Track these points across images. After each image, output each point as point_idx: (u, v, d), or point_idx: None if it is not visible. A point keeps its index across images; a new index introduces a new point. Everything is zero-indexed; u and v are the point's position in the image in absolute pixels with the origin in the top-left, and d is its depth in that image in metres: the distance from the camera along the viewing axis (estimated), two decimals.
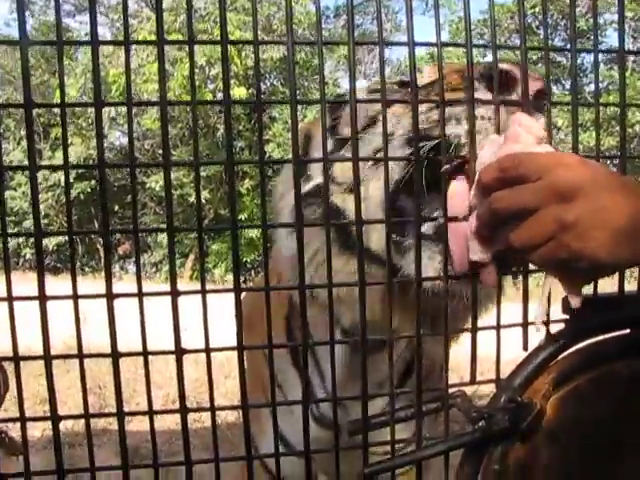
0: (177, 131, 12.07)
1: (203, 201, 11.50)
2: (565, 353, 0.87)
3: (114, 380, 0.75)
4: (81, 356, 0.75)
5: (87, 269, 12.91)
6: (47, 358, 0.74)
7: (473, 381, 0.89)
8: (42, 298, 0.72)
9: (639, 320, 0.91)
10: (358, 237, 0.78)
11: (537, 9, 10.47)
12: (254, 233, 10.29)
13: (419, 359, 0.84)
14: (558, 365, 0.87)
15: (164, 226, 0.72)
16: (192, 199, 10.78)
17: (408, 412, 0.89)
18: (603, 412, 0.87)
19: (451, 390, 0.87)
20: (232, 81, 11.31)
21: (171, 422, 2.77)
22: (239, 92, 11.09)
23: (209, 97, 11.11)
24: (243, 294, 0.77)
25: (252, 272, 11.46)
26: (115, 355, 0.74)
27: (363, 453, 0.85)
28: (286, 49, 0.72)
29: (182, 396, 0.75)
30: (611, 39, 12.37)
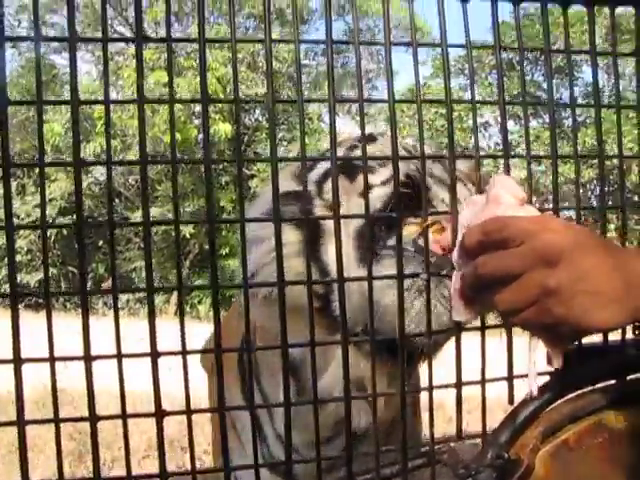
0: (161, 167, 12.08)
1: (188, 236, 11.46)
2: (552, 406, 0.86)
3: (91, 445, 0.73)
4: (57, 420, 0.73)
5: (69, 305, 12.71)
6: (21, 423, 0.72)
7: (460, 436, 0.87)
8: (17, 361, 0.70)
9: (624, 370, 0.90)
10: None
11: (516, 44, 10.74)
12: (236, 266, 10.26)
13: (403, 415, 0.83)
14: (545, 418, 0.86)
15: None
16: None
17: (393, 469, 0.87)
18: (593, 465, 0.86)
19: (437, 446, 0.86)
20: (216, 117, 11.40)
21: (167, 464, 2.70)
22: (224, 128, 11.16)
23: (194, 133, 11.19)
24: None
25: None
26: (93, 419, 0.72)
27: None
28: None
29: (162, 462, 0.72)
30: (586, 74, 12.73)
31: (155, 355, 0.72)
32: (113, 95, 11.29)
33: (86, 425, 0.74)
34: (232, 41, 0.71)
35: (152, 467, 2.80)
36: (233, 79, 0.73)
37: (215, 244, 0.71)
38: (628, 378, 0.90)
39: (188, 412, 0.74)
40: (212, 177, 0.71)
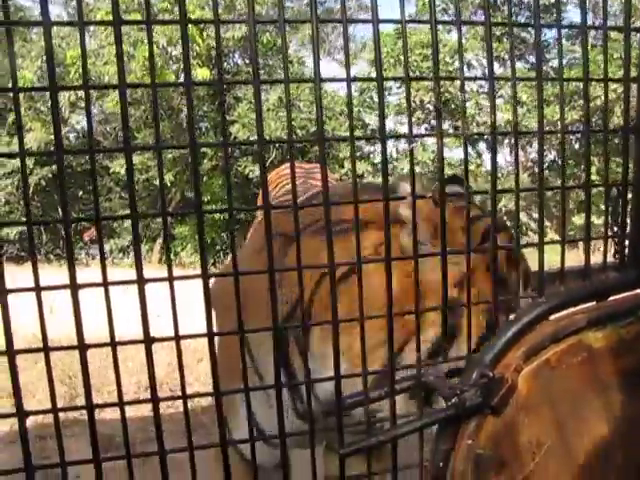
0: (140, 113, 11.80)
1: (168, 184, 11.33)
2: (535, 327, 0.88)
3: (82, 373, 0.73)
4: (46, 349, 0.73)
5: (52, 257, 12.63)
6: (11, 353, 0.72)
7: (446, 359, 0.89)
8: (2, 292, 0.70)
9: (605, 291, 0.93)
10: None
11: None
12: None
13: (390, 335, 0.85)
14: (528, 339, 0.88)
15: (129, 212, 0.70)
16: (156, 182, 10.60)
17: (382, 391, 0.89)
18: (573, 383, 0.89)
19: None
20: (194, 61, 11.09)
21: (145, 409, 2.75)
22: (202, 73, 10.88)
23: (171, 78, 10.90)
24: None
25: (220, 254, 11.36)
26: (82, 347, 0.72)
27: (338, 434, 0.85)
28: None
29: (153, 387, 0.73)
30: (570, 14, 12.50)
31: (142, 282, 0.72)
32: (87, 40, 10.89)
33: (77, 368, 0.74)
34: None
35: (142, 409, 2.85)
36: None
37: (199, 170, 0.70)
38: (608, 299, 0.92)
39: (177, 338, 0.74)
40: (192, 100, 0.70)
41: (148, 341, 0.73)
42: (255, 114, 0.73)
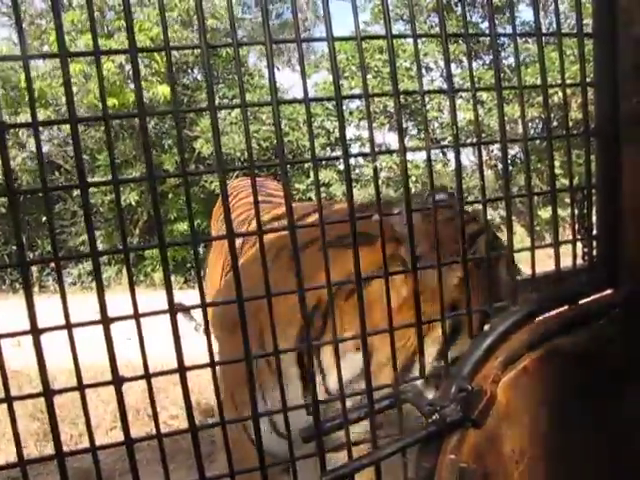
0: (101, 134, 11.62)
1: (134, 204, 11.16)
2: (510, 336, 0.88)
3: (49, 421, 0.70)
4: (9, 399, 0.69)
5: (18, 286, 12.31)
6: None
7: (423, 375, 0.88)
8: None
9: (576, 295, 0.93)
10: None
11: None
12: (185, 229, 10.17)
13: (366, 358, 0.83)
14: (504, 348, 0.87)
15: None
16: (124, 203, 10.44)
17: (361, 412, 0.88)
18: (550, 389, 0.89)
19: (402, 385, 0.87)
20: (154, 79, 10.99)
21: (134, 432, 2.69)
22: (162, 90, 10.77)
23: (131, 98, 10.75)
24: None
25: (192, 271, 11.21)
26: (47, 394, 0.69)
27: (319, 459, 0.83)
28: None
29: (126, 429, 0.70)
30: (523, 14, 12.76)
31: (107, 322, 0.69)
32: (39, 63, 10.70)
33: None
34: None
35: (120, 438, 2.78)
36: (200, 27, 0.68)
37: (159, 208, 0.68)
38: (579, 303, 0.92)
39: (147, 377, 0.72)
40: (147, 133, 0.67)
41: (117, 382, 0.71)
42: (213, 140, 0.71)
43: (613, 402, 0.91)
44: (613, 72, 0.90)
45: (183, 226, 10.31)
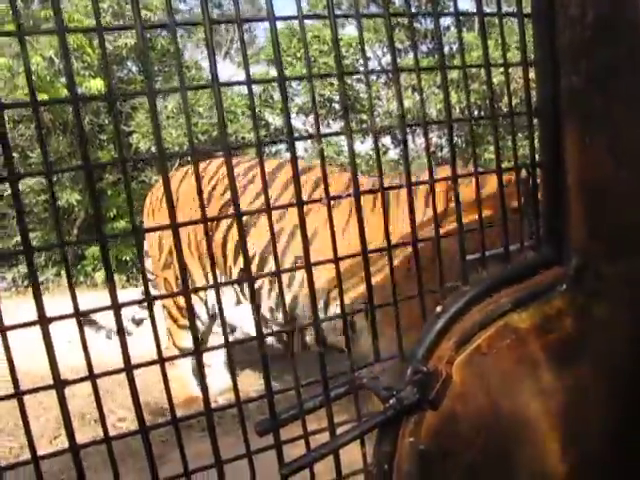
0: (32, 132, 11.13)
1: (73, 202, 10.76)
2: (463, 316, 0.89)
3: None
4: None
5: None
6: None
7: (377, 359, 0.88)
8: None
9: (525, 272, 0.94)
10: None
11: None
12: (125, 226, 9.90)
13: (321, 344, 0.82)
14: (458, 329, 0.88)
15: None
16: (60, 202, 10.04)
17: (316, 401, 0.86)
18: (504, 367, 0.90)
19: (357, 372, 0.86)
20: (86, 72, 10.60)
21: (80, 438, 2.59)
22: (95, 84, 10.39)
23: (62, 91, 10.34)
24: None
25: (134, 270, 10.92)
26: None
27: (277, 453, 0.81)
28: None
29: (71, 435, 0.66)
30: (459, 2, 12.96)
31: (45, 322, 0.65)
32: None
33: None
34: None
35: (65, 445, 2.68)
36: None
37: (99, 205, 0.64)
38: (528, 280, 0.94)
39: (92, 377, 0.68)
40: (81, 119, 0.63)
41: (59, 386, 0.66)
42: (152, 126, 0.68)
43: (565, 373, 0.93)
44: (552, 52, 0.91)
45: (122, 224, 10.01)
